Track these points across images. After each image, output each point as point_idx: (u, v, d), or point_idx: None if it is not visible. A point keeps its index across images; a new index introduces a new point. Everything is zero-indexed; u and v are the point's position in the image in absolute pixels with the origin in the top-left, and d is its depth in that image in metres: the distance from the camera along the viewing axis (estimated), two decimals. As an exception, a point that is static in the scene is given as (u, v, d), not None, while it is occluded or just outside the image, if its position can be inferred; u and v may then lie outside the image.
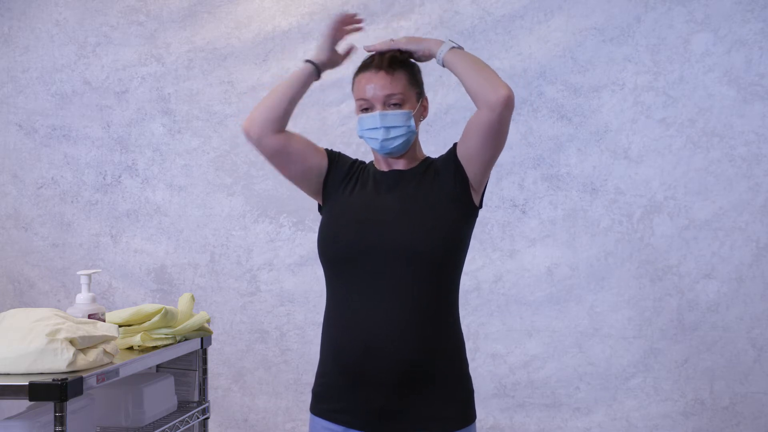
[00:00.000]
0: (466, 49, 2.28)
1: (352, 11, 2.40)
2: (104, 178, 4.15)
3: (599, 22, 3.84)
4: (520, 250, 3.89)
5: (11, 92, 4.20)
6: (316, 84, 2.38)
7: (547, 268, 3.86)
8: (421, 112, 2.33)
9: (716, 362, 3.75)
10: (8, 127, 4.20)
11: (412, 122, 2.27)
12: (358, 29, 2.37)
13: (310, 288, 3.99)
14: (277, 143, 2.31)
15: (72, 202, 4.17)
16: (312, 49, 3.94)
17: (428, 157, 2.37)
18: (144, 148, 4.14)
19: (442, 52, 2.25)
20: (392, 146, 2.27)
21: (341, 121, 3.98)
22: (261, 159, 4.00)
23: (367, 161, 2.42)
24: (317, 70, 2.35)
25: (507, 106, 2.17)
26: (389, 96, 2.25)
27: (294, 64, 4.00)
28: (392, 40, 2.33)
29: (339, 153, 2.40)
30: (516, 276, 3.88)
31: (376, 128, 2.25)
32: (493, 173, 3.85)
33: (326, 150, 2.39)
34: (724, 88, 3.77)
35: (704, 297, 3.77)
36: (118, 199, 4.14)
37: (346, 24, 2.37)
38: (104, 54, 4.15)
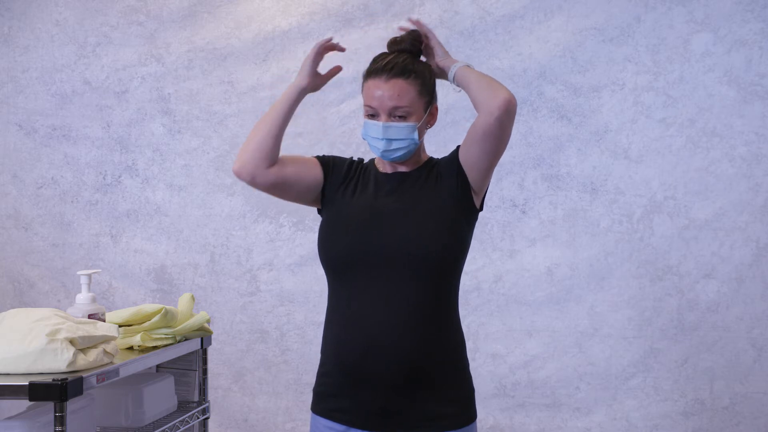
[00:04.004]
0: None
1: (330, 37, 2.35)
2: (104, 178, 4.15)
3: (599, 22, 3.84)
4: (520, 250, 3.89)
5: (11, 92, 4.20)
6: None
7: (547, 268, 3.86)
8: (428, 120, 2.31)
9: (716, 362, 3.75)
10: (8, 127, 4.20)
11: (416, 134, 2.25)
12: (342, 50, 2.34)
13: (310, 288, 3.99)
14: (271, 177, 2.28)
15: (72, 202, 4.17)
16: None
17: (431, 158, 2.36)
18: (144, 148, 4.13)
19: (455, 66, 2.27)
20: (393, 156, 2.27)
21: (341, 121, 3.98)
22: (261, 159, 4.04)
23: (366, 158, 2.41)
24: (300, 94, 2.31)
25: (506, 111, 2.16)
26: (395, 108, 2.23)
27: (294, 64, 4.00)
28: (429, 33, 2.32)
29: (332, 158, 2.37)
30: (516, 276, 3.88)
31: (378, 138, 2.25)
32: (494, 173, 3.85)
33: (318, 158, 2.36)
34: (724, 88, 3.77)
35: (704, 297, 3.77)
36: (118, 199, 4.14)
37: (329, 50, 2.33)
38: (104, 54, 4.15)
